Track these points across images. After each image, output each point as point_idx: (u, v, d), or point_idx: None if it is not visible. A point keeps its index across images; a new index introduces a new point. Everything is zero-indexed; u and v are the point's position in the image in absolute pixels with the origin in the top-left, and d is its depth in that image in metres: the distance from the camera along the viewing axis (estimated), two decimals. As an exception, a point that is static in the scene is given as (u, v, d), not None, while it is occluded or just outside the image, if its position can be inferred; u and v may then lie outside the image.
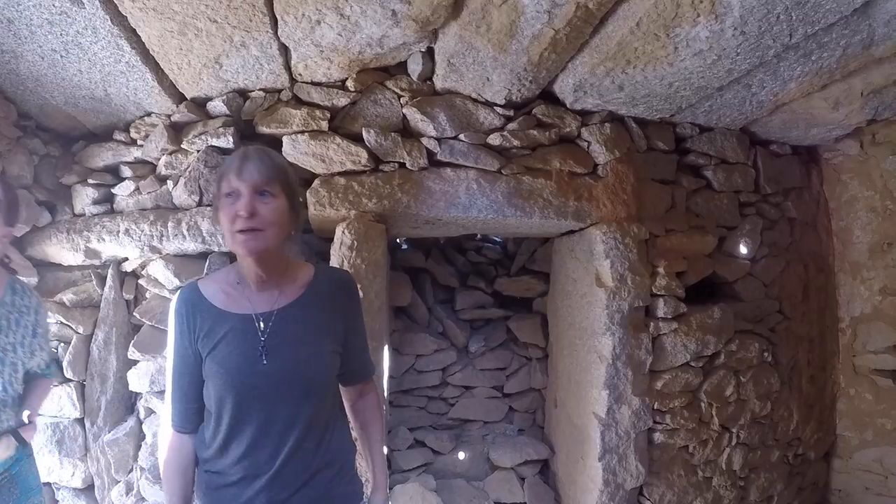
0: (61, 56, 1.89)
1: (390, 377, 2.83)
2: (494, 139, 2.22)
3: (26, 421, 1.61)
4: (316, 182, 2.17)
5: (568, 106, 2.32)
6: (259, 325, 1.12)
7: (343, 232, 2.11)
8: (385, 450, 1.41)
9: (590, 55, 1.95)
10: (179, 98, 2.22)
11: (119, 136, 2.35)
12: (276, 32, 1.86)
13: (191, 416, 1.19)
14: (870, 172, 2.83)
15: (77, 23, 1.71)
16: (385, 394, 2.54)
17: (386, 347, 2.47)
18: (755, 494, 2.67)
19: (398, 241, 3.10)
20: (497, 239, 3.27)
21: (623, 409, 2.30)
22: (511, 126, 2.24)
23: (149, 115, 2.30)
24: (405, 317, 2.93)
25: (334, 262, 2.11)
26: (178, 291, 1.21)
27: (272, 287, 1.16)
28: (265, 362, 1.09)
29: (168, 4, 1.67)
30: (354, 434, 1.38)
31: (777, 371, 2.70)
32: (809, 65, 2.01)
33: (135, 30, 1.79)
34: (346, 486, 1.22)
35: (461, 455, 2.79)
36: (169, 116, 2.26)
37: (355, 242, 2.09)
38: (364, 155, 2.15)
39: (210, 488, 1.17)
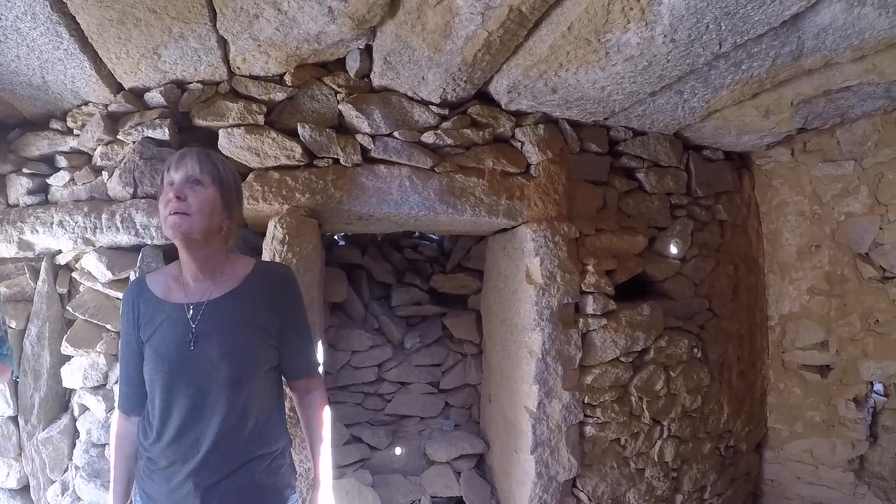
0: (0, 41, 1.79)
1: (326, 373, 2.77)
2: (428, 137, 2.19)
3: None
4: (250, 176, 2.10)
5: (503, 106, 2.30)
6: (189, 313, 1.15)
7: (275, 226, 2.05)
8: (328, 448, 1.37)
9: (523, 57, 1.93)
10: (117, 88, 2.12)
11: (56, 124, 2.24)
12: (214, 25, 1.80)
13: (135, 399, 1.23)
14: (800, 178, 2.87)
15: (17, 7, 1.61)
16: None
17: (320, 343, 2.40)
18: (688, 485, 2.68)
19: (335, 237, 3.04)
20: (434, 237, 3.24)
21: (554, 403, 2.28)
22: (445, 125, 2.22)
23: (86, 104, 2.19)
24: (341, 313, 2.87)
25: (266, 256, 2.06)
26: (129, 283, 1.31)
27: (207, 279, 1.20)
28: (192, 348, 1.12)
29: None
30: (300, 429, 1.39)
31: (707, 366, 2.71)
32: (740, 73, 2.01)
33: (74, 17, 1.70)
34: (277, 477, 1.22)
35: (398, 450, 2.74)
36: (106, 106, 2.16)
37: (287, 237, 2.04)
38: (298, 150, 2.10)
39: (145, 474, 1.19)
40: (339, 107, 2.15)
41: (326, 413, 1.36)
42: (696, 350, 2.64)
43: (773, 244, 2.99)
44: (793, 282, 2.90)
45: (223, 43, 1.91)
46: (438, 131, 2.19)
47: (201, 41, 1.87)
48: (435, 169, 2.22)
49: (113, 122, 2.16)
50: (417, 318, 3.03)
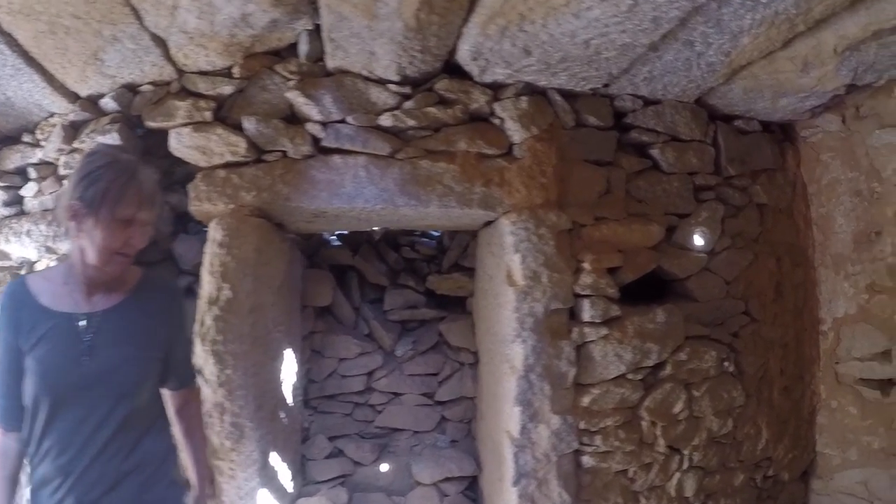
0: (-50, 63, 1.69)
1: (311, 381, 2.41)
2: (386, 120, 1.79)
3: None
4: (198, 176, 1.82)
5: (476, 79, 1.83)
6: (82, 324, 1.05)
7: (214, 228, 1.72)
8: (207, 459, 1.36)
9: (478, 14, 1.50)
10: (76, 97, 1.94)
11: (27, 137, 2.08)
12: (142, 23, 1.59)
13: (15, 412, 1.07)
14: (854, 151, 2.17)
15: None
16: (290, 400, 2.11)
17: (288, 352, 2.04)
18: (715, 523, 2.06)
19: (326, 237, 2.66)
20: (435, 233, 2.78)
21: (540, 429, 1.78)
22: (408, 104, 1.80)
23: (52, 115, 2.02)
24: (331, 317, 2.49)
25: (206, 260, 1.73)
26: (6, 286, 1.13)
27: (100, 288, 1.09)
28: (87, 361, 1.02)
29: (31, 6, 1.45)
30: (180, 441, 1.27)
31: (741, 383, 2.09)
32: (761, 10, 1.47)
33: (10, 33, 1.57)
34: (160, 490, 1.12)
35: (384, 467, 2.33)
36: (67, 116, 1.96)
37: (226, 239, 1.71)
38: (244, 144, 1.79)
39: (33, 489, 1.07)
40: (287, 94, 1.79)
41: (203, 423, 1.35)
42: (726, 363, 2.05)
43: (825, 232, 2.30)
44: (849, 277, 2.21)
45: (160, 41, 1.69)
46: (397, 112, 1.77)
47: (136, 41, 1.66)
48: (396, 156, 1.81)
49: (74, 130, 1.97)
50: (416, 322, 2.60)
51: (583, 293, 1.84)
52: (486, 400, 2.15)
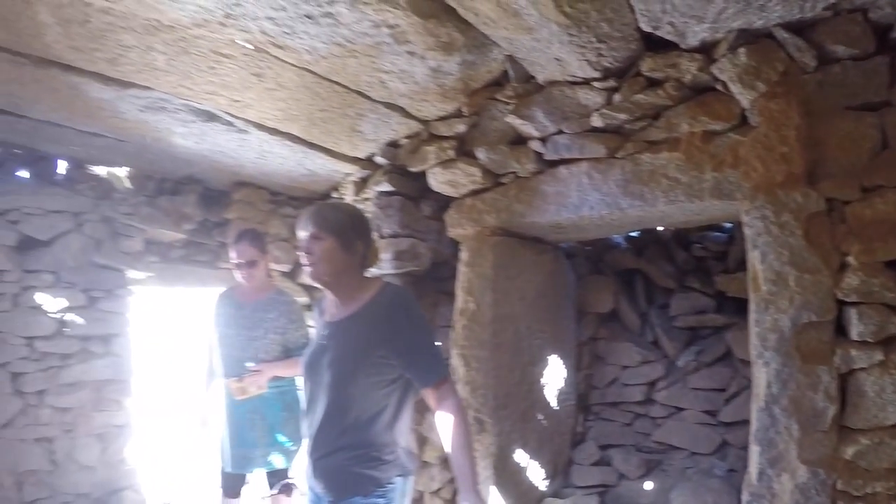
0: (261, 159, 3.34)
1: (593, 388, 3.11)
2: (596, 120, 2.27)
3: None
4: (451, 206, 2.83)
5: (683, 46, 2.04)
6: (325, 330, 1.76)
7: (462, 249, 2.69)
8: (466, 456, 1.64)
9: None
10: (356, 160, 3.27)
11: (334, 194, 3.71)
12: (371, 99, 2.58)
13: None
14: None
15: (252, 141, 3.04)
16: (554, 403, 2.83)
17: (554, 357, 2.80)
18: None
19: (610, 241, 3.29)
20: (727, 225, 3.06)
21: (783, 479, 1.80)
22: (616, 98, 2.21)
23: (349, 175, 3.45)
24: (616, 323, 3.10)
25: (458, 277, 2.70)
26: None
27: (342, 303, 1.75)
28: (323, 356, 1.70)
29: (289, 112, 2.74)
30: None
31: None
32: None
33: (289, 132, 2.92)
34: (367, 469, 1.64)
35: (648, 485, 2.75)
36: (355, 175, 3.37)
37: (470, 258, 2.65)
38: (479, 173, 2.67)
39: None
40: (507, 119, 2.53)
41: (459, 422, 1.64)
42: None
43: None
44: None
45: (394, 106, 2.66)
46: (604, 110, 2.23)
47: (375, 112, 2.70)
48: (616, 155, 2.30)
49: (363, 183, 3.34)
50: (709, 329, 2.94)
51: (848, 300, 1.78)
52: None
